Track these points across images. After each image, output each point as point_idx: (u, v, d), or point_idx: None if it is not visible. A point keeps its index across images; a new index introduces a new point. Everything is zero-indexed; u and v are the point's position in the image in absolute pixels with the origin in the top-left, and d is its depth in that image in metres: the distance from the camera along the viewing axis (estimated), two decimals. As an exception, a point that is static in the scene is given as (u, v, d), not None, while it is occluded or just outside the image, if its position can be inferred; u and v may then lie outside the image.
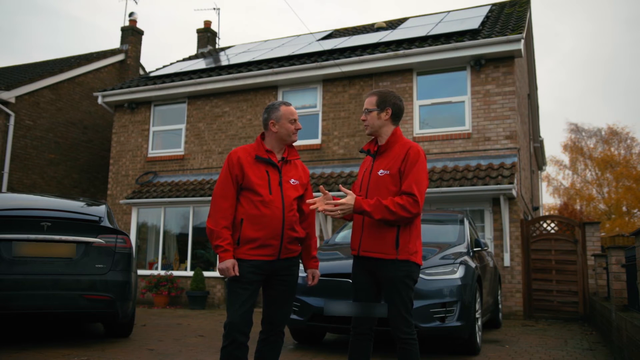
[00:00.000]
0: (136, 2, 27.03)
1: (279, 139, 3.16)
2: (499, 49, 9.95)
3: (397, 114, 3.19)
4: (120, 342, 5.78)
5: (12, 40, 66.66)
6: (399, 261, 2.98)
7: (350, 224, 6.96)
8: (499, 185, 9.04)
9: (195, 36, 20.06)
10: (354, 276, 3.20)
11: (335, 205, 2.95)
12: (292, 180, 3.15)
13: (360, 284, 3.15)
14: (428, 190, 8.95)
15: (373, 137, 3.26)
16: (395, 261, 2.98)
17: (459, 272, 5.15)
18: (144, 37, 20.67)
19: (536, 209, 16.43)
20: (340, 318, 4.74)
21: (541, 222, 10.21)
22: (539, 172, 20.57)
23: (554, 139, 54.38)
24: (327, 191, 3.02)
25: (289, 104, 3.21)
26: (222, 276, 3.07)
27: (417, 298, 4.72)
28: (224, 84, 12.31)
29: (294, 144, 3.28)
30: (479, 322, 5.63)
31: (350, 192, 2.99)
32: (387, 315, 3.03)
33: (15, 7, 69.56)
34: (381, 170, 3.07)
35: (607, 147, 31.33)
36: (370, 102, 3.19)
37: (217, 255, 3.04)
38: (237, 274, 2.97)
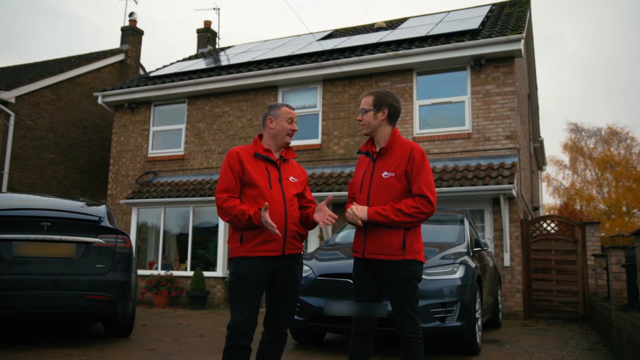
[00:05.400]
0: (136, 2, 27.04)
1: (274, 136, 3.17)
2: (499, 49, 9.95)
3: (394, 114, 3.19)
4: (120, 342, 5.78)
5: (12, 41, 66.68)
6: (406, 261, 3.01)
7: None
8: (499, 185, 9.04)
9: (195, 36, 20.07)
10: (356, 277, 3.20)
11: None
12: (291, 177, 3.17)
13: (362, 284, 3.16)
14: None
15: (369, 138, 3.26)
16: (402, 262, 3.01)
17: (459, 272, 5.16)
18: (144, 37, 20.67)
19: (536, 209, 16.43)
20: (340, 318, 4.74)
21: (541, 222, 10.21)
22: (539, 172, 20.57)
23: (554, 139, 54.42)
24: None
25: (291, 107, 3.26)
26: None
27: (417, 298, 4.72)
28: (224, 84, 12.31)
29: (292, 142, 3.28)
30: (479, 322, 5.63)
31: (364, 207, 3.04)
32: (393, 314, 3.05)
33: (17, 8, 69.57)
34: (385, 172, 3.08)
35: (607, 147, 31.34)
36: (366, 102, 3.19)
37: (250, 220, 2.94)
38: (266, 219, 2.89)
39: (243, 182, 3.06)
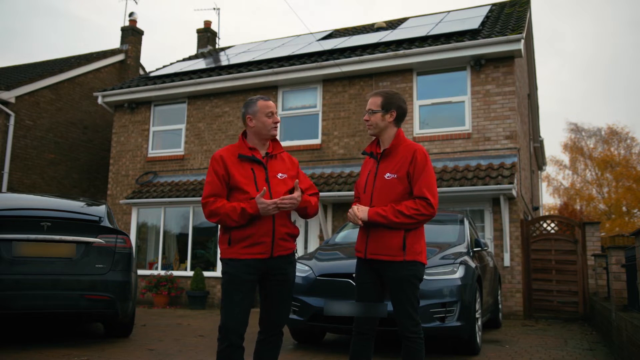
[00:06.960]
0: (136, 2, 27.03)
1: (258, 134, 3.11)
2: (499, 49, 9.94)
3: (401, 116, 3.20)
4: (120, 342, 5.78)
5: (12, 41, 66.68)
6: (406, 262, 3.01)
7: (350, 223, 6.96)
8: (499, 185, 9.04)
9: (195, 36, 20.07)
10: (358, 276, 3.20)
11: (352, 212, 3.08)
12: (280, 174, 3.09)
13: (364, 284, 3.16)
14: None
15: (374, 138, 3.26)
16: (402, 262, 3.01)
17: (459, 272, 5.16)
18: (144, 37, 20.67)
19: (536, 209, 16.43)
20: (341, 318, 4.74)
21: (541, 222, 10.20)
22: (539, 172, 20.57)
23: (554, 139, 54.44)
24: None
25: (266, 99, 3.15)
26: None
27: (417, 298, 4.71)
28: (224, 84, 12.31)
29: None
30: (479, 322, 5.63)
31: (365, 208, 3.05)
32: (394, 314, 3.06)
33: (17, 8, 69.56)
34: (388, 174, 3.08)
35: (607, 147, 31.34)
36: (374, 102, 3.16)
37: (243, 212, 2.92)
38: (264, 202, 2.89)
39: (229, 185, 3.03)
